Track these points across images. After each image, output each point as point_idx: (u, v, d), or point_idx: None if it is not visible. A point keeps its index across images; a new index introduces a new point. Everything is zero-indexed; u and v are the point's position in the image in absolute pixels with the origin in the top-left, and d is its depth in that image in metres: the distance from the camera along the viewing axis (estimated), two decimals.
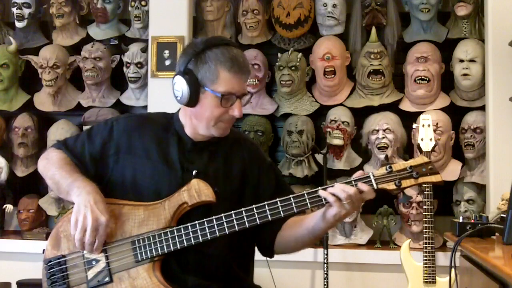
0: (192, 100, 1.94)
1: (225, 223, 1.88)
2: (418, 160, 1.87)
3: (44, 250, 2.01)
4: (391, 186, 1.84)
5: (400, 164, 1.86)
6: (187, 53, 1.97)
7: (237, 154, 2.06)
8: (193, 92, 1.92)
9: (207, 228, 1.88)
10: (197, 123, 1.99)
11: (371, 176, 1.85)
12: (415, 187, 3.53)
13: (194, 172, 1.96)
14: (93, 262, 1.93)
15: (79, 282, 1.94)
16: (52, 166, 2.02)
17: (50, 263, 1.97)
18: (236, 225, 1.88)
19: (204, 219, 1.89)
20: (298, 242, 2.01)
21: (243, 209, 1.88)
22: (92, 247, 1.88)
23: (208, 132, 1.99)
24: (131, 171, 2.00)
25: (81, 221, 1.86)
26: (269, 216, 1.87)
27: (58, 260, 1.97)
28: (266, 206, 1.87)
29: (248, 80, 3.79)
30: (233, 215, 1.88)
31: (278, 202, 1.86)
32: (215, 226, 1.88)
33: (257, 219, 1.87)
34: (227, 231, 1.88)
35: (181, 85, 1.94)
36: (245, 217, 1.87)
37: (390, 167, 1.85)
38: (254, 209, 1.87)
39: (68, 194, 1.95)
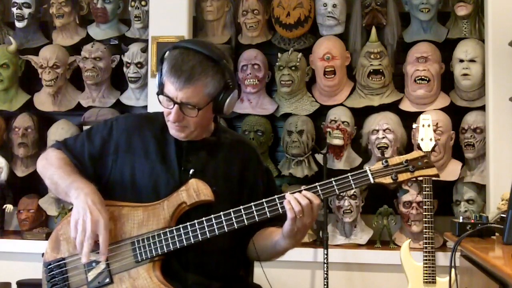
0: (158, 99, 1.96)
1: (224, 222, 1.89)
2: (414, 154, 1.90)
3: (43, 253, 2.01)
4: (387, 180, 1.87)
5: (396, 158, 1.89)
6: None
7: (237, 156, 2.08)
8: (158, 91, 1.96)
9: (206, 227, 1.89)
10: None
11: (368, 171, 1.88)
12: (416, 186, 3.56)
13: (191, 171, 1.97)
14: (93, 264, 1.93)
15: (79, 284, 1.94)
16: (51, 166, 2.02)
17: (50, 266, 1.97)
18: (235, 223, 1.88)
19: (203, 218, 1.89)
20: (263, 252, 2.02)
21: (241, 207, 1.89)
22: (89, 249, 1.85)
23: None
24: (130, 170, 2.01)
25: (80, 223, 1.86)
26: (267, 213, 1.88)
27: (58, 263, 1.97)
28: (264, 203, 1.88)
29: (248, 80, 3.85)
30: (231, 213, 1.89)
31: (276, 199, 1.88)
32: (214, 224, 1.89)
33: (256, 216, 1.88)
34: (226, 229, 1.89)
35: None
36: (243, 215, 1.88)
37: (386, 162, 1.88)
38: (253, 206, 1.88)
39: (66, 195, 1.96)
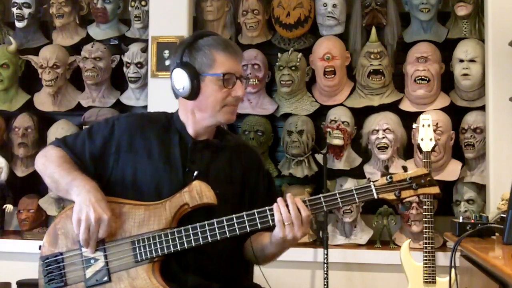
0: (194, 90, 1.97)
1: (226, 226, 1.89)
2: (418, 172, 1.92)
3: (40, 246, 2.00)
4: (391, 196, 1.90)
5: (400, 174, 1.91)
6: (179, 48, 2.02)
7: (240, 159, 2.08)
8: (193, 81, 1.96)
9: (208, 231, 1.89)
10: (202, 115, 2.00)
11: (372, 186, 1.89)
12: None
13: (195, 173, 1.96)
14: (92, 261, 1.93)
15: (77, 280, 1.94)
16: (50, 164, 2.01)
17: (47, 260, 1.96)
18: (237, 229, 1.89)
19: (205, 222, 1.89)
20: (256, 253, 2.02)
21: (244, 213, 1.89)
22: (94, 243, 1.89)
23: (215, 120, 2.01)
24: (132, 169, 2.00)
25: (84, 220, 1.86)
26: (270, 221, 1.88)
27: (55, 258, 1.96)
28: (267, 210, 1.89)
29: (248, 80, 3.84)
30: (234, 218, 1.89)
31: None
32: (216, 229, 1.89)
33: (258, 224, 1.88)
34: (228, 234, 1.89)
35: (181, 77, 1.97)
36: (246, 221, 1.88)
37: (391, 177, 1.90)
38: (256, 213, 1.88)
39: (67, 193, 1.95)
